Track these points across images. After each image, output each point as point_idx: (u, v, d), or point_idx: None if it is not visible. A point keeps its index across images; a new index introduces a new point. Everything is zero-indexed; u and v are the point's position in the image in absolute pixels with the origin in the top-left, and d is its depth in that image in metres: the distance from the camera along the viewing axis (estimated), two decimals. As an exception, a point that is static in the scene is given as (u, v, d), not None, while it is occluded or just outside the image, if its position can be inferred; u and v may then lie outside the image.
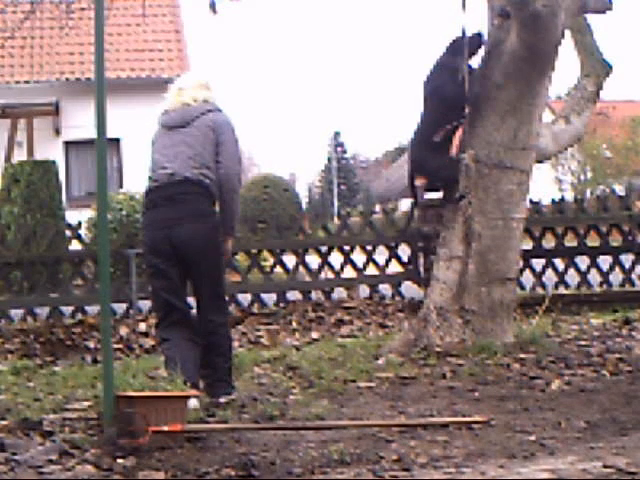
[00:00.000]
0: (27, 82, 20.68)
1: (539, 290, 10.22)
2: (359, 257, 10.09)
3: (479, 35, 7.11)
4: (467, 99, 6.99)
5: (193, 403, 5.20)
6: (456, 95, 6.95)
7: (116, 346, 7.82)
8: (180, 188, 5.42)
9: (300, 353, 7.27)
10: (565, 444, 4.40)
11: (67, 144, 20.95)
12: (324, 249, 10.13)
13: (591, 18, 8.51)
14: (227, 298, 6.32)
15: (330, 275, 10.21)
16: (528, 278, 10.14)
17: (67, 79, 20.76)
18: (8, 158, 18.91)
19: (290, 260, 10.03)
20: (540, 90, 7.08)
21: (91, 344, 8.11)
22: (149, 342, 8.08)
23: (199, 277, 5.55)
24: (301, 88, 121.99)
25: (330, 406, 5.37)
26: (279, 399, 5.54)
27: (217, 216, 5.59)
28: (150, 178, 5.58)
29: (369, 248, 10.13)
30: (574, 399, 5.42)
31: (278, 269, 10.10)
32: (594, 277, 10.46)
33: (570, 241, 10.54)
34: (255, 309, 9.57)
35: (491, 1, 7.21)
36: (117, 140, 19.79)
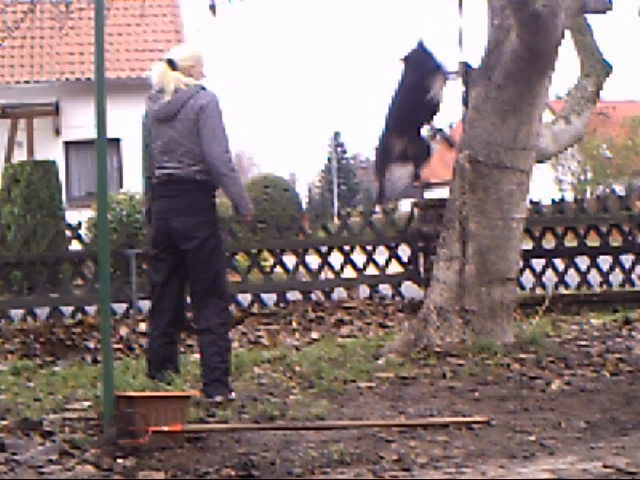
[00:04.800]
0: (27, 82, 20.68)
1: (539, 290, 10.21)
2: (359, 257, 10.08)
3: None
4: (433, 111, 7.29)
5: None
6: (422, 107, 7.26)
7: (116, 346, 7.82)
8: (177, 185, 5.65)
9: (300, 353, 7.26)
10: (565, 444, 4.40)
11: (67, 144, 20.94)
12: (324, 249, 10.12)
13: (591, 18, 8.52)
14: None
15: (330, 275, 10.19)
16: (528, 278, 10.13)
17: (67, 79, 20.76)
18: (8, 158, 18.90)
19: (290, 260, 10.02)
20: (540, 90, 7.08)
21: (91, 344, 8.11)
22: (149, 342, 8.07)
23: (194, 272, 5.60)
24: (301, 88, 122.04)
25: (330, 406, 5.36)
26: (279, 399, 5.53)
27: (216, 211, 5.73)
28: (153, 173, 5.77)
29: (369, 248, 10.11)
30: (574, 399, 5.42)
31: (278, 269, 10.08)
32: (594, 277, 10.45)
33: (570, 241, 10.52)
34: (255, 309, 9.55)
35: (491, 1, 7.21)
36: (117, 140, 19.75)
